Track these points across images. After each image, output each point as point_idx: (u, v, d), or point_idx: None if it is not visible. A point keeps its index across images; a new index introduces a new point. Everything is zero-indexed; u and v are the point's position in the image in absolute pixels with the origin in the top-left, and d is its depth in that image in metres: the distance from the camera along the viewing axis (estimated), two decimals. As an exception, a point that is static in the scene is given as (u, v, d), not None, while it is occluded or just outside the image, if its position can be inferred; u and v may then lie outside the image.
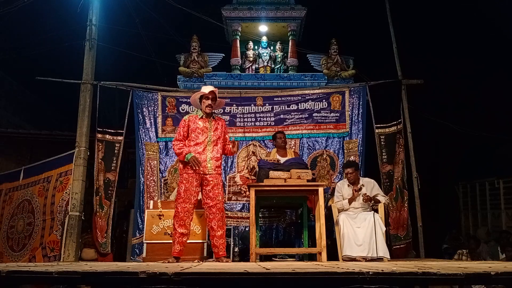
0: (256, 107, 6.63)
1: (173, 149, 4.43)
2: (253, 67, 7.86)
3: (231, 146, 4.48)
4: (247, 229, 5.82)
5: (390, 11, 6.74)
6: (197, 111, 4.53)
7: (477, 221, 9.63)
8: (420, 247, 5.82)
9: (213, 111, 4.42)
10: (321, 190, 4.61)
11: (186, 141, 4.33)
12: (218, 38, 8.33)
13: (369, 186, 5.13)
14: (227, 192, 6.33)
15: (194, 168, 4.16)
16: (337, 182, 5.63)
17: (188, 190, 4.20)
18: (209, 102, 4.33)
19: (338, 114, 6.54)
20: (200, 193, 4.33)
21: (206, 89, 4.39)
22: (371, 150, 6.39)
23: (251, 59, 7.87)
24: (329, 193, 5.91)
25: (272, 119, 6.59)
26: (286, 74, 7.56)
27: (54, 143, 8.73)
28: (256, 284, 2.19)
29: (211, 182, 4.23)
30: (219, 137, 4.37)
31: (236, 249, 5.70)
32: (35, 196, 6.37)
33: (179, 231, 4.19)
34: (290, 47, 7.85)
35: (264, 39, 8.04)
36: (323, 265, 3.17)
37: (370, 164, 6.35)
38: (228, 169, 6.41)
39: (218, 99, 4.45)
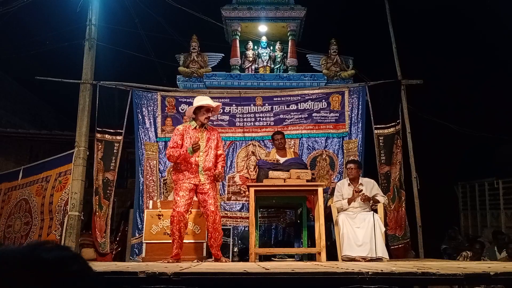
0: (256, 107, 6.61)
1: (172, 156, 4.21)
2: (253, 67, 7.84)
3: (219, 167, 4.37)
4: (246, 229, 5.81)
5: (390, 11, 6.74)
6: (191, 120, 4.50)
7: (477, 221, 9.64)
8: (419, 247, 5.82)
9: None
10: (320, 190, 4.60)
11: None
12: (217, 38, 8.32)
13: (368, 186, 5.13)
14: (226, 192, 6.32)
15: (195, 148, 4.14)
16: (337, 182, 5.63)
17: (182, 197, 4.19)
18: (210, 115, 4.37)
19: (338, 114, 6.53)
20: (194, 197, 4.35)
21: (210, 101, 4.34)
22: (370, 151, 6.38)
23: (251, 59, 7.85)
24: (329, 193, 5.91)
25: (272, 119, 6.58)
26: (286, 74, 7.54)
27: (53, 143, 8.75)
28: (255, 284, 2.19)
29: (205, 190, 4.26)
30: (211, 147, 4.37)
31: (236, 249, 5.69)
32: (33, 195, 6.36)
33: (176, 234, 4.19)
34: (289, 47, 7.83)
35: (264, 39, 8.02)
36: (323, 265, 3.17)
37: (369, 164, 6.34)
38: (228, 169, 6.39)
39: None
